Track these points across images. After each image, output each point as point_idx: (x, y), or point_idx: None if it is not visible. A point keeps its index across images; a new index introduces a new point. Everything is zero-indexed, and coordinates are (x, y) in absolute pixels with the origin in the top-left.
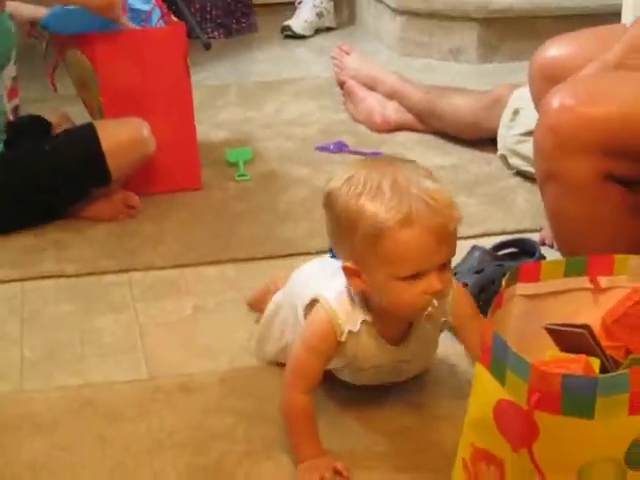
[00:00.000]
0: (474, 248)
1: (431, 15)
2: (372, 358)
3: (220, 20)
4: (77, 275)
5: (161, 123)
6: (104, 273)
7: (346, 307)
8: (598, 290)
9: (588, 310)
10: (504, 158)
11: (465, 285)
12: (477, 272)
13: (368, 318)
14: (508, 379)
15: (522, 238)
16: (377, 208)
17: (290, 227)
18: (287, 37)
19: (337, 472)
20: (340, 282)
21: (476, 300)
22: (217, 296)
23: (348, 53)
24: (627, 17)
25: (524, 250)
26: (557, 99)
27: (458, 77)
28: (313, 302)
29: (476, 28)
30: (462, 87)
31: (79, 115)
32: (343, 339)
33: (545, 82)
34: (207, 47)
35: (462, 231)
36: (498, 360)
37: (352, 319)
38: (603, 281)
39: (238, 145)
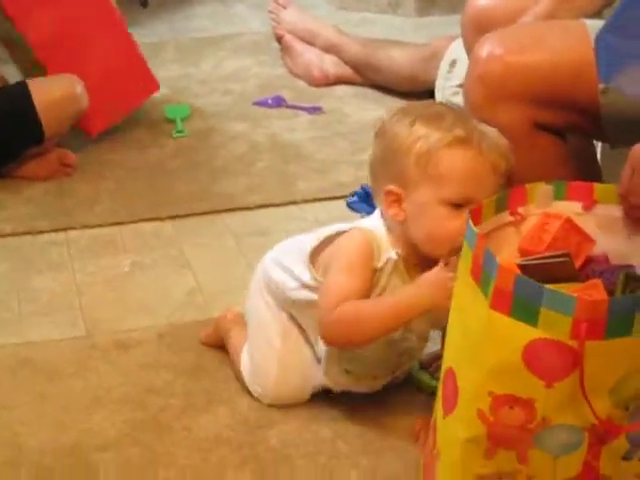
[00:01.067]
0: None
1: None
2: None
3: None
4: (13, 234)
5: (102, 53)
6: (41, 232)
7: (383, 235)
8: (518, 221)
9: (511, 242)
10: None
11: None
12: None
13: (401, 252)
14: (542, 317)
15: None
16: (436, 129)
17: (228, 183)
18: None
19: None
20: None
21: None
22: (154, 253)
23: (285, 7)
24: None
25: None
26: (485, 48)
27: (396, 30)
28: (338, 234)
29: None
30: (400, 40)
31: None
32: (380, 265)
33: (477, 32)
34: (144, 4)
35: None
36: (524, 301)
37: (388, 248)
38: (521, 211)
39: (176, 102)
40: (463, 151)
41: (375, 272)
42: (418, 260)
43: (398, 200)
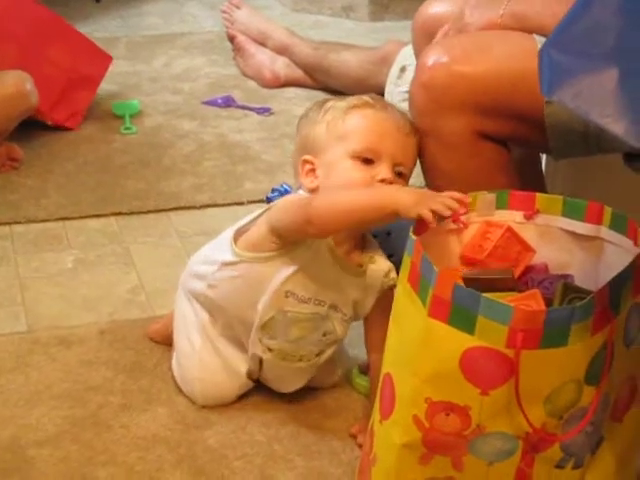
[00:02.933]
0: None
1: None
2: (318, 274)
3: None
4: None
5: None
6: None
7: None
8: (460, 229)
9: (452, 250)
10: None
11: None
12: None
13: None
14: (479, 326)
15: None
16: (343, 100)
17: (175, 181)
18: None
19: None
20: None
21: None
22: (99, 249)
23: (239, 7)
24: None
25: None
26: (431, 56)
27: (349, 34)
28: (259, 215)
29: None
30: (352, 44)
31: None
32: None
33: (427, 39)
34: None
35: None
36: (462, 310)
37: None
38: (463, 219)
39: (125, 99)
40: (367, 110)
41: None
42: (343, 234)
43: (313, 169)
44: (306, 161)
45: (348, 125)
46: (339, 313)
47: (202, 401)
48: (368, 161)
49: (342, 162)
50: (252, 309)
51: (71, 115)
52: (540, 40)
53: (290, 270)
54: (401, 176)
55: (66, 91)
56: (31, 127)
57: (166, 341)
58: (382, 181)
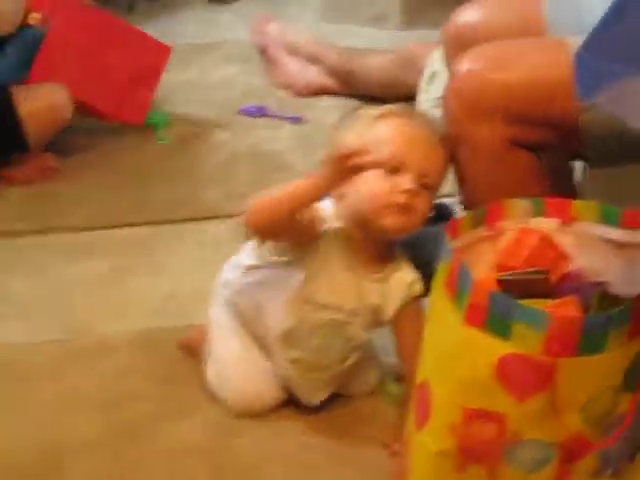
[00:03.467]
0: None
1: None
2: (334, 279)
3: None
4: None
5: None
6: (20, 235)
7: (329, 210)
8: (495, 236)
9: (487, 257)
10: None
11: None
12: None
13: (344, 227)
14: (515, 332)
15: (438, 202)
16: (368, 110)
17: (209, 191)
18: (212, 1)
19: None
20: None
21: None
22: (132, 258)
23: (268, 21)
24: None
25: (441, 214)
26: (465, 64)
27: (381, 44)
28: None
29: None
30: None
31: None
32: (323, 227)
33: (458, 48)
34: (131, 8)
35: None
36: (498, 316)
37: (331, 220)
38: (498, 226)
39: (160, 108)
40: (394, 120)
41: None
42: (362, 242)
43: None
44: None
45: (374, 134)
46: (359, 318)
47: (238, 409)
48: (393, 170)
49: (367, 172)
50: (274, 317)
51: (136, 111)
52: (572, 43)
53: (304, 276)
54: (427, 188)
55: (129, 89)
56: (67, 136)
57: (196, 352)
58: (404, 192)
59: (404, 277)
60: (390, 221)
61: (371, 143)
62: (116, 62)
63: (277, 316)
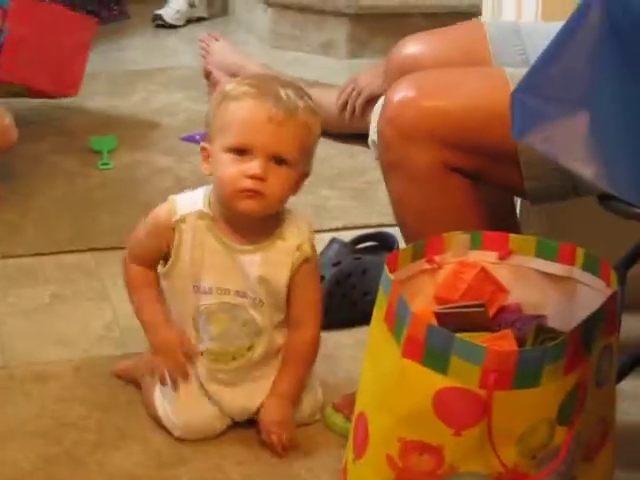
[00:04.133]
0: (333, 241)
1: (302, 9)
2: (213, 262)
3: (90, 7)
4: None
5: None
6: None
7: (191, 201)
8: (434, 269)
9: (426, 290)
10: (373, 144)
11: (322, 278)
12: (334, 264)
13: (208, 211)
14: (452, 366)
15: (381, 232)
16: (232, 85)
17: None
18: (158, 26)
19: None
20: None
21: (332, 292)
22: (75, 285)
23: (217, 40)
24: (487, 15)
25: (384, 244)
26: (398, 91)
27: (328, 71)
28: None
29: (347, 23)
30: (327, 83)
31: None
32: (174, 219)
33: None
34: None
35: (323, 224)
36: (435, 350)
37: (190, 208)
38: (437, 259)
39: (103, 133)
40: (243, 102)
41: (173, 229)
42: (231, 219)
43: (208, 155)
44: (203, 148)
45: (226, 117)
46: (248, 299)
47: (183, 434)
48: (242, 154)
49: (221, 155)
50: (176, 315)
51: (72, 84)
52: (510, 73)
53: (185, 265)
54: (284, 162)
55: (64, 64)
56: (8, 161)
57: (132, 380)
58: (250, 177)
59: (289, 243)
60: (244, 205)
61: (221, 126)
62: (44, 42)
63: (180, 310)
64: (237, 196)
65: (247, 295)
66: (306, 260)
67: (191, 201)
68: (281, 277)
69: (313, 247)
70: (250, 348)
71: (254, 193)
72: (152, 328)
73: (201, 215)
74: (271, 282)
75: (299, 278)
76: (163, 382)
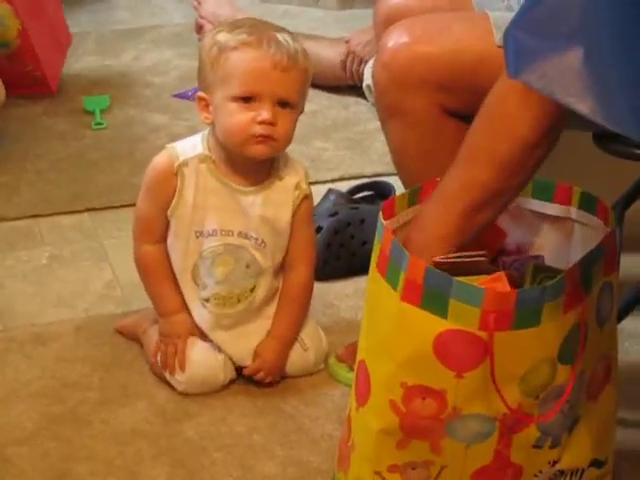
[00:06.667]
0: (329, 192)
1: None
2: (216, 204)
3: None
4: None
5: None
6: None
7: (190, 145)
8: None
9: None
10: (368, 89)
11: (320, 228)
12: (332, 215)
13: (209, 154)
14: (452, 309)
15: (378, 181)
16: (227, 36)
17: None
18: None
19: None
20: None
21: (331, 242)
22: (73, 245)
23: None
24: None
25: (380, 193)
26: (392, 37)
27: (318, 23)
28: None
29: None
30: (320, 36)
31: None
32: (177, 163)
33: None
34: None
35: (319, 175)
36: (434, 293)
37: (191, 152)
38: None
39: (95, 94)
40: (245, 52)
41: (176, 174)
42: (233, 162)
43: (207, 105)
44: (200, 98)
45: (228, 67)
46: (250, 240)
47: (186, 388)
48: (249, 101)
49: (226, 105)
50: (177, 262)
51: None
52: (494, 16)
53: (188, 209)
54: (289, 105)
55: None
56: (1, 124)
57: (134, 337)
58: (261, 123)
59: (287, 182)
60: (255, 149)
61: (223, 76)
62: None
63: (179, 258)
64: (249, 142)
65: (249, 236)
66: (305, 197)
67: (191, 145)
68: (283, 216)
69: (309, 185)
70: (253, 289)
71: (265, 138)
72: (165, 316)
73: (202, 158)
74: (274, 222)
75: (299, 216)
76: (165, 368)
